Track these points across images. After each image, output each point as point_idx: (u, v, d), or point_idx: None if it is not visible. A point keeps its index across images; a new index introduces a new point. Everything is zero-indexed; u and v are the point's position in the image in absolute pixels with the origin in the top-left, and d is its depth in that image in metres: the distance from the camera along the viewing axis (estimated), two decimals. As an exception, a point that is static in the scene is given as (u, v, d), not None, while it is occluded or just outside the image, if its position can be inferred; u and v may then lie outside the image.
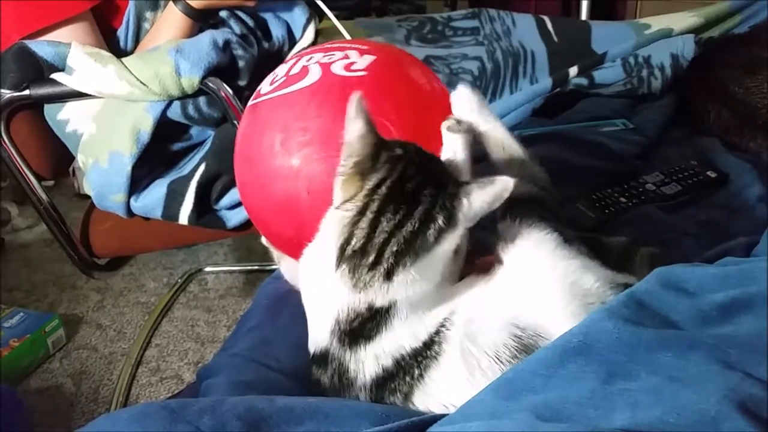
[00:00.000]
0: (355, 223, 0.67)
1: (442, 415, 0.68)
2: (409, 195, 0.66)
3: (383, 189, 0.66)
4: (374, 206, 0.66)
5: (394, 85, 0.83)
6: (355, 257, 0.66)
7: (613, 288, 0.75)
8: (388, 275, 0.66)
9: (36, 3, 1.15)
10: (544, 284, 0.73)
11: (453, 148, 0.78)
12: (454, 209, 0.67)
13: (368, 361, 0.71)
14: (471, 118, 0.84)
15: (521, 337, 0.69)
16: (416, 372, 0.71)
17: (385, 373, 0.71)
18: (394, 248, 0.65)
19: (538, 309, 0.70)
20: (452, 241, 0.68)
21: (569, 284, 0.73)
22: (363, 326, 0.70)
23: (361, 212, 0.67)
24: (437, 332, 0.71)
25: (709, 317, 0.70)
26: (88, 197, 1.26)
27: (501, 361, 0.69)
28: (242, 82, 1.20)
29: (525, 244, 0.76)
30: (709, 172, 1.20)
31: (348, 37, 1.17)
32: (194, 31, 1.19)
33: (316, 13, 1.33)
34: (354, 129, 0.68)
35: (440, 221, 0.67)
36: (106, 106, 1.17)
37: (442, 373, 0.71)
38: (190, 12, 1.17)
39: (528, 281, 0.73)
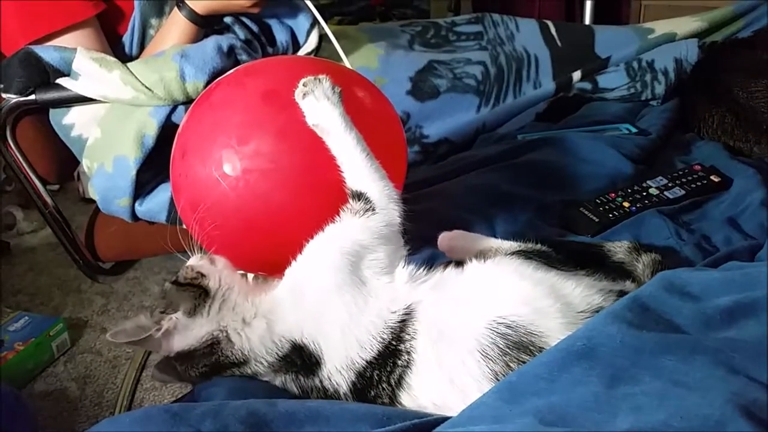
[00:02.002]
0: None
1: (445, 418, 0.68)
2: None
3: None
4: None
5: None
6: None
7: (604, 294, 0.76)
8: None
9: (42, 9, 1.16)
10: (525, 287, 0.75)
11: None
12: None
13: (335, 376, 0.74)
14: (471, 246, 0.91)
15: (510, 335, 0.70)
16: (392, 379, 0.73)
17: (359, 384, 0.74)
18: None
19: (526, 308, 0.72)
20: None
21: (549, 286, 0.75)
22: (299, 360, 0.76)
23: None
24: (399, 340, 0.73)
25: (713, 321, 0.70)
26: (93, 201, 1.26)
27: (490, 358, 0.70)
28: (246, 87, 1.20)
29: (501, 260, 0.81)
30: (712, 177, 1.20)
31: (337, 46, 1.18)
32: (199, 37, 1.20)
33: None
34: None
35: None
36: (111, 110, 1.18)
37: (423, 377, 0.72)
38: (195, 18, 1.17)
39: (508, 285, 0.76)
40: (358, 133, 0.79)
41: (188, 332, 0.76)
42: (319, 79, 0.79)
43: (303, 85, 0.79)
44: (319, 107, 0.78)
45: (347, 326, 0.74)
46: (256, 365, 0.76)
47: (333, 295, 0.75)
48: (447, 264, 0.82)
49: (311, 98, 0.79)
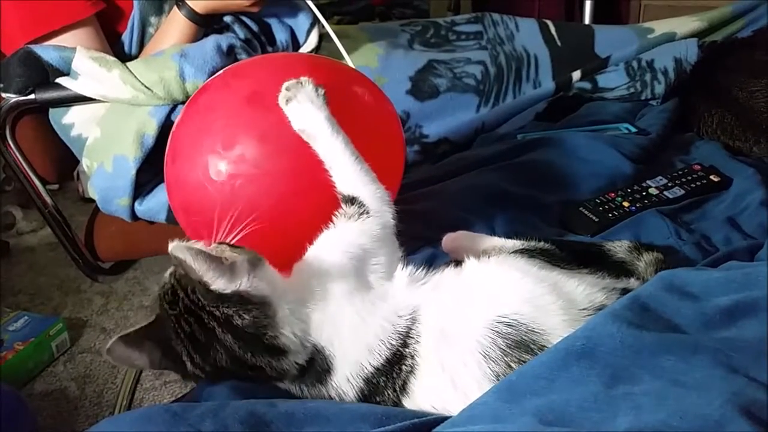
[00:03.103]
0: None
1: (445, 418, 0.68)
2: None
3: None
4: None
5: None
6: None
7: (607, 291, 0.76)
8: None
9: (41, 8, 1.16)
10: (526, 284, 0.75)
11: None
12: None
13: (344, 384, 0.73)
14: (475, 247, 0.89)
15: (512, 335, 0.70)
16: (397, 385, 0.72)
17: (366, 390, 0.73)
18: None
19: (527, 306, 0.72)
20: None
21: (551, 284, 0.75)
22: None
23: None
24: (404, 345, 0.72)
25: (712, 321, 0.70)
26: (93, 201, 1.26)
27: (491, 359, 0.69)
28: (246, 87, 1.20)
29: (503, 258, 0.81)
30: (712, 177, 1.20)
31: (340, 46, 1.18)
32: (198, 36, 1.19)
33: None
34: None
35: None
36: (110, 110, 1.18)
37: (424, 380, 0.72)
38: (195, 17, 1.17)
39: (509, 283, 0.75)
40: (345, 136, 0.78)
41: (250, 277, 0.68)
42: (301, 83, 0.77)
43: (286, 89, 0.78)
44: (304, 111, 0.77)
45: (357, 332, 0.73)
46: (287, 365, 0.71)
47: (344, 301, 0.74)
48: (447, 264, 0.82)
49: (294, 103, 0.77)
